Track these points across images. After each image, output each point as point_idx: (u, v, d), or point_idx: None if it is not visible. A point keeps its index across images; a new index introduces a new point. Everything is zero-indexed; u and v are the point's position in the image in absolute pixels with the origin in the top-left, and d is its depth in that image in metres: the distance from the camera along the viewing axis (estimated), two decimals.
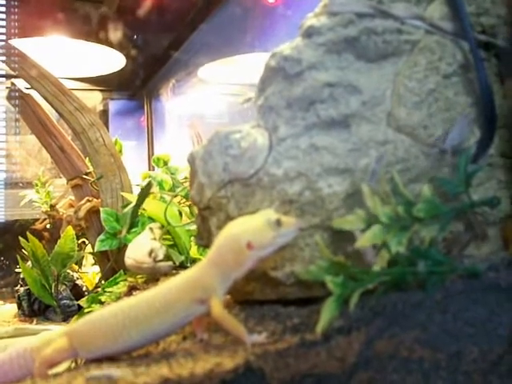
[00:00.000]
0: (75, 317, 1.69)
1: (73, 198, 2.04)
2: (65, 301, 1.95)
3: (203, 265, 0.78)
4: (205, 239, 0.97)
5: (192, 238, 1.46)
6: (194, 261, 1.45)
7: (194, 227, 1.42)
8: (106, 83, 3.06)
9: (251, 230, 0.76)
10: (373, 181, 0.81)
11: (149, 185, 1.60)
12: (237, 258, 0.76)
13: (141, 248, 1.36)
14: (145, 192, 1.59)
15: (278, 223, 0.76)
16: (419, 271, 0.75)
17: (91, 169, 1.90)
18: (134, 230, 1.64)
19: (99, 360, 0.78)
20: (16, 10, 2.05)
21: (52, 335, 0.83)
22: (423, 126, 0.84)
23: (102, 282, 1.75)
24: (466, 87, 0.86)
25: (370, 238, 0.75)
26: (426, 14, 0.86)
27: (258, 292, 0.88)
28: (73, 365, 0.94)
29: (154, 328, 0.76)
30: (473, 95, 0.86)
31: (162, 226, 1.48)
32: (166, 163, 1.96)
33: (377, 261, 0.76)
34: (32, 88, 1.86)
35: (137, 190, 1.81)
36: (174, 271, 1.33)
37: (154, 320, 0.76)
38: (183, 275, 0.79)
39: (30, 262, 1.98)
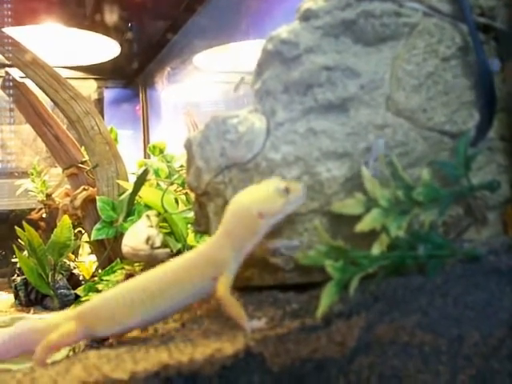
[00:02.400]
0: (72, 306, 1.69)
1: (69, 187, 2.03)
2: (62, 290, 1.93)
3: (215, 240, 0.79)
4: (203, 225, 0.96)
5: (189, 226, 1.45)
6: (190, 248, 1.44)
7: (190, 215, 1.41)
8: (100, 71, 3.04)
9: (262, 200, 0.77)
10: (372, 165, 0.80)
11: (145, 172, 1.59)
12: (249, 227, 0.77)
13: (138, 235, 1.35)
14: (141, 179, 1.59)
15: (287, 191, 0.77)
16: (419, 255, 0.74)
17: (87, 157, 1.89)
18: (130, 218, 1.63)
19: (97, 347, 0.77)
20: None
21: (58, 319, 0.84)
22: (422, 109, 0.83)
23: (99, 270, 1.74)
24: (465, 70, 0.85)
25: (369, 221, 0.74)
26: None
27: (256, 278, 0.88)
28: (71, 353, 0.94)
29: (169, 303, 0.79)
30: (472, 78, 0.85)
31: (159, 214, 1.48)
32: (161, 151, 1.95)
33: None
34: (26, 77, 1.84)
35: (133, 179, 1.80)
36: (171, 259, 1.33)
37: (170, 295, 0.78)
38: (195, 251, 0.81)
39: (26, 252, 1.98)
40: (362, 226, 0.74)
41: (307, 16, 0.84)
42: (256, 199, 0.77)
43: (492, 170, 0.87)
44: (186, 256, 0.81)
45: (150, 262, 1.36)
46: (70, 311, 0.85)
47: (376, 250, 0.74)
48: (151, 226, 1.40)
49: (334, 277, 0.71)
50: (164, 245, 1.37)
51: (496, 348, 0.69)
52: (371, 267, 0.73)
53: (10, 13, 2.08)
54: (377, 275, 0.74)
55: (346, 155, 0.81)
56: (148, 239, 1.32)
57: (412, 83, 0.83)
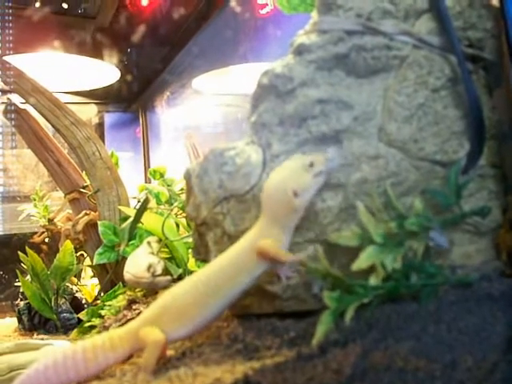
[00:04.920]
0: (75, 330, 1.69)
1: (70, 211, 2.05)
2: (64, 314, 1.94)
3: (261, 226, 0.81)
4: (202, 254, 0.98)
5: (189, 251, 1.47)
6: (191, 273, 1.45)
7: (191, 240, 1.43)
8: (101, 96, 3.06)
9: (293, 179, 0.80)
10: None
11: (146, 200, 1.61)
12: (288, 207, 0.80)
13: (139, 263, 1.37)
14: (142, 207, 1.60)
15: (312, 164, 0.80)
16: (413, 284, 0.76)
17: (88, 182, 1.90)
18: (132, 242, 1.65)
19: (99, 377, 0.79)
20: (10, 26, 2.07)
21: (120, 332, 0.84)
22: (413, 139, 0.85)
23: (101, 294, 1.76)
24: (454, 100, 0.87)
25: (365, 259, 0.76)
26: (414, 30, 0.87)
27: (255, 306, 0.89)
28: None
29: (230, 294, 0.81)
30: (462, 108, 0.87)
31: (160, 240, 1.49)
32: (162, 175, 1.97)
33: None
34: (28, 103, 1.86)
35: (134, 203, 1.82)
36: (173, 284, 1.34)
37: (230, 285, 0.81)
38: (245, 240, 0.82)
39: (29, 276, 1.99)
40: (359, 264, 0.75)
41: (301, 51, 0.87)
42: (287, 179, 0.80)
43: (483, 197, 0.88)
44: (237, 247, 0.82)
45: (152, 289, 1.37)
46: (141, 318, 0.84)
47: (373, 281, 0.75)
48: (152, 253, 1.41)
49: (331, 306, 0.73)
50: (165, 271, 1.38)
51: (489, 372, 0.69)
52: (367, 297, 0.74)
53: (10, 40, 2.10)
54: (371, 303, 0.75)
55: (339, 186, 0.83)
56: (149, 267, 1.34)
57: (403, 114, 0.85)
